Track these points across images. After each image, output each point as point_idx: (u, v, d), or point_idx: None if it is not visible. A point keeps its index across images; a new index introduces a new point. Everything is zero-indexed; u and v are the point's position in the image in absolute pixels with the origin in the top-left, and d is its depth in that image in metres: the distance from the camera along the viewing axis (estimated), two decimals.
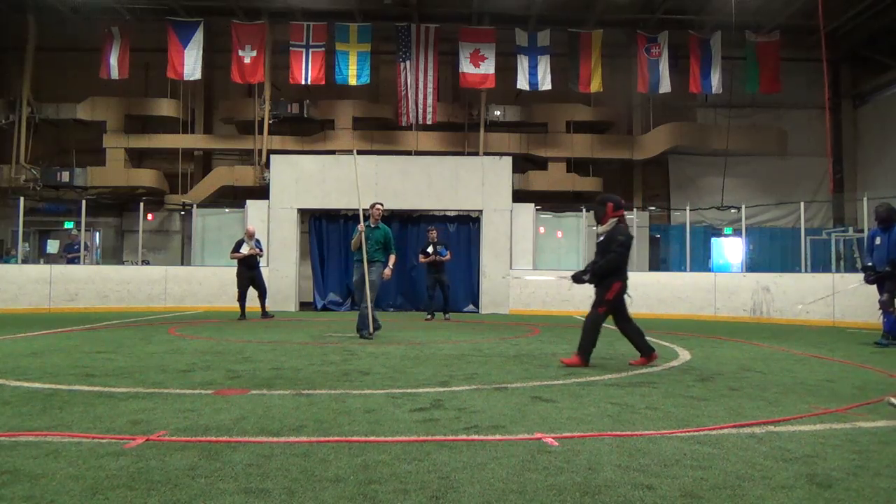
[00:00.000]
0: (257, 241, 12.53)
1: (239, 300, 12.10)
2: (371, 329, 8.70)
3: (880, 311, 8.48)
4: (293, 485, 2.66)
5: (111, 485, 2.63)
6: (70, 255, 15.58)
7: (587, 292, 15.76)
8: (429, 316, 12.85)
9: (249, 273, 12.11)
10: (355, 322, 9.04)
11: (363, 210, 9.10)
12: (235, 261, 12.21)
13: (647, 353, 6.26)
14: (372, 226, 9.01)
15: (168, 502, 2.45)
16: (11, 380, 5.05)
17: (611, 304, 6.17)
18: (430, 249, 12.78)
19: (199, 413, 3.93)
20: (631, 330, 6.29)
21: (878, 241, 8.52)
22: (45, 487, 2.59)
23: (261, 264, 12.50)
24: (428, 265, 12.85)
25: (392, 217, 15.57)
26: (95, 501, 2.45)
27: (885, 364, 6.56)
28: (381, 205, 9.32)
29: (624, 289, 6.19)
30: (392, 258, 9.07)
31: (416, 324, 11.82)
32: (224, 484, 2.65)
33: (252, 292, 12.18)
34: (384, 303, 15.68)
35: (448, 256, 12.97)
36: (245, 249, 12.03)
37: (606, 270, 6.16)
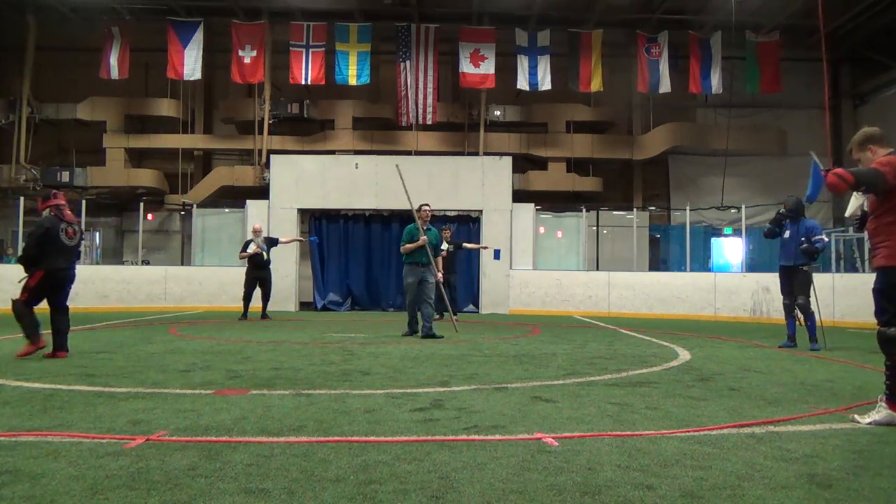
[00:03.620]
0: (268, 238, 12.48)
1: (244, 299, 12.10)
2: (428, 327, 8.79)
3: (798, 313, 8.08)
4: (293, 485, 2.66)
5: (111, 485, 2.63)
6: None
7: (587, 292, 15.77)
8: (437, 316, 12.73)
9: (257, 273, 12.06)
10: (356, 322, 9.00)
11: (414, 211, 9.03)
12: (244, 260, 12.17)
13: (34, 343, 6.40)
14: (425, 228, 8.96)
15: (168, 502, 2.45)
16: (11, 380, 5.05)
17: (33, 290, 6.44)
18: (443, 247, 12.75)
19: (199, 413, 3.93)
20: (38, 320, 6.46)
21: (787, 234, 8.15)
22: (45, 487, 2.59)
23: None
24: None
25: (392, 217, 15.60)
26: (95, 501, 2.45)
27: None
28: (429, 205, 9.22)
29: (49, 278, 6.44)
30: (439, 260, 9.29)
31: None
32: (224, 484, 2.65)
33: (257, 292, 12.14)
34: (384, 303, 15.70)
35: (476, 246, 13.70)
36: (252, 248, 12.01)
37: (24, 261, 6.50)
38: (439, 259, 9.19)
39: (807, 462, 3.06)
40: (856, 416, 3.94)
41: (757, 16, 18.10)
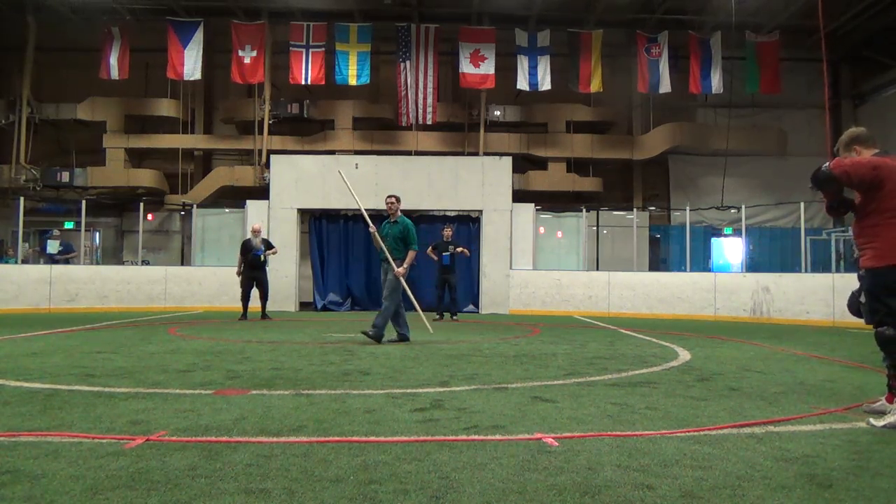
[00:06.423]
0: (265, 240, 12.51)
1: (242, 299, 12.12)
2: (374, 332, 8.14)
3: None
4: (293, 485, 2.66)
5: (111, 485, 2.63)
6: (59, 255, 15.45)
7: (587, 292, 15.78)
8: (437, 316, 12.71)
9: (253, 273, 12.10)
10: (355, 322, 9.02)
11: (366, 210, 8.84)
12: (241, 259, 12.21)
13: None
14: (391, 221, 8.52)
15: (168, 502, 2.45)
16: (11, 380, 5.05)
17: None
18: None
19: (199, 413, 3.93)
20: None
21: None
22: (45, 487, 2.59)
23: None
24: (437, 264, 12.84)
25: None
26: (95, 501, 2.45)
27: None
28: (394, 197, 8.63)
29: None
30: (410, 254, 8.37)
31: (417, 324, 11.82)
32: (224, 484, 2.65)
33: (255, 292, 12.17)
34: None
35: (465, 252, 13.15)
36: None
37: None
38: (411, 253, 8.36)
39: (807, 462, 3.06)
40: (871, 419, 3.85)
41: (757, 16, 18.10)
